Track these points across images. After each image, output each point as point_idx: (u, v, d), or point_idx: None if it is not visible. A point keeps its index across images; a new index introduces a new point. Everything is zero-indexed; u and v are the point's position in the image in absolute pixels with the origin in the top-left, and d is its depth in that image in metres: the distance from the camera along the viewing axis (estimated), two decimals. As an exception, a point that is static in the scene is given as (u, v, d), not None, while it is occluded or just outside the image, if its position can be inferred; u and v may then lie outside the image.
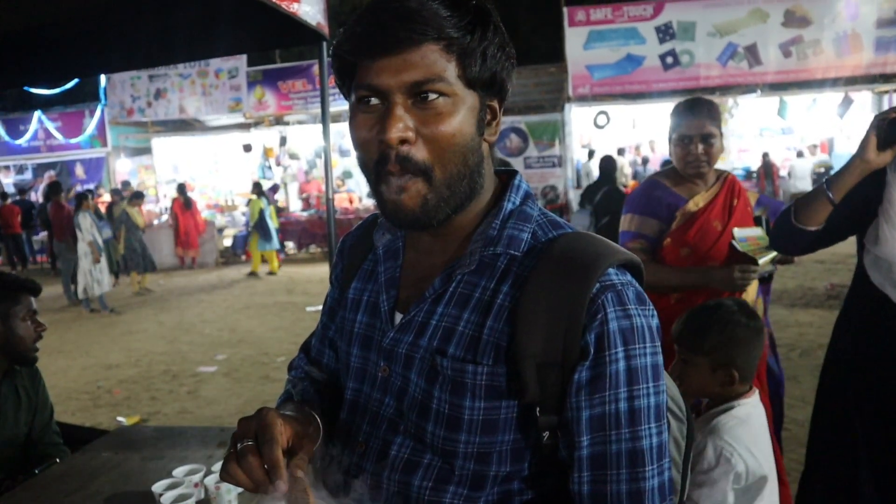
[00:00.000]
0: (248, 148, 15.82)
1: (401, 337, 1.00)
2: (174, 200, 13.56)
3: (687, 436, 1.20)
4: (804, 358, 5.80)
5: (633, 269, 0.98)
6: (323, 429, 1.04)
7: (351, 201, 15.15)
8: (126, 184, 15.29)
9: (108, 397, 6.08)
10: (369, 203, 15.00)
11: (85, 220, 9.99)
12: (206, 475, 1.83)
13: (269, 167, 16.03)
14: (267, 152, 15.95)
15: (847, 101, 13.73)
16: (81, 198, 10.22)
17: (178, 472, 1.84)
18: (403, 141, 0.89)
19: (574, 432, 0.90)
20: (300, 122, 16.07)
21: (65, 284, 11.10)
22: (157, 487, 1.74)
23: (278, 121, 15.93)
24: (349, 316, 1.12)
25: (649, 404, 0.90)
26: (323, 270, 12.64)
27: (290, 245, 15.15)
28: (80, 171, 17.73)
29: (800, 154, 14.91)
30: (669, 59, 13.58)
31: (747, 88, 13.97)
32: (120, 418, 5.40)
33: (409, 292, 1.05)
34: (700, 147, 2.49)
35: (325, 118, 2.97)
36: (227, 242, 15.15)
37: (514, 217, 1.00)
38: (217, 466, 1.86)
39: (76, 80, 15.15)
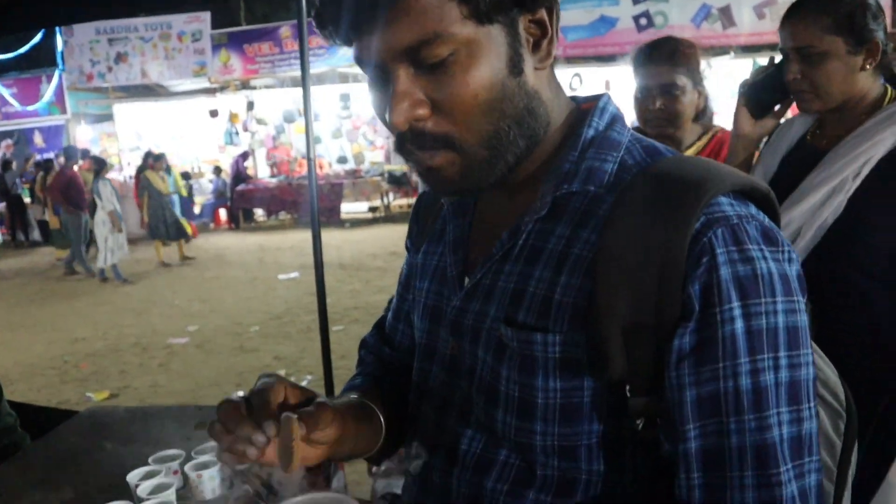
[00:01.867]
0: (214, 113, 15.38)
1: (467, 305, 0.84)
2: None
3: (845, 433, 0.87)
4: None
5: (759, 198, 0.76)
6: (386, 423, 0.91)
7: (321, 166, 14.87)
8: (86, 152, 14.82)
9: (75, 372, 5.88)
10: (339, 168, 14.77)
11: (105, 188, 9.78)
12: (185, 461, 1.68)
13: (236, 133, 15.63)
14: (232, 118, 15.53)
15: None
16: (101, 165, 10.04)
17: (155, 458, 1.69)
18: (415, 119, 0.74)
19: (677, 418, 0.70)
20: (267, 87, 15.65)
21: (76, 254, 10.65)
22: (132, 477, 1.60)
23: (244, 85, 15.49)
24: (418, 284, 0.97)
25: (781, 380, 0.68)
26: (294, 238, 12.41)
27: (259, 212, 14.87)
28: (38, 139, 17.13)
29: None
30: (643, 21, 13.43)
31: (721, 51, 13.89)
32: (88, 394, 5.22)
33: (478, 252, 0.87)
34: (658, 101, 2.02)
35: (304, 79, 2.80)
36: (196, 211, 14.80)
37: (596, 145, 0.80)
38: (197, 450, 1.71)
39: (31, 44, 14.56)
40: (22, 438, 2.23)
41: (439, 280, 0.92)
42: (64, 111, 16.46)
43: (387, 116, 0.74)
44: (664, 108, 2.03)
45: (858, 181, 1.54)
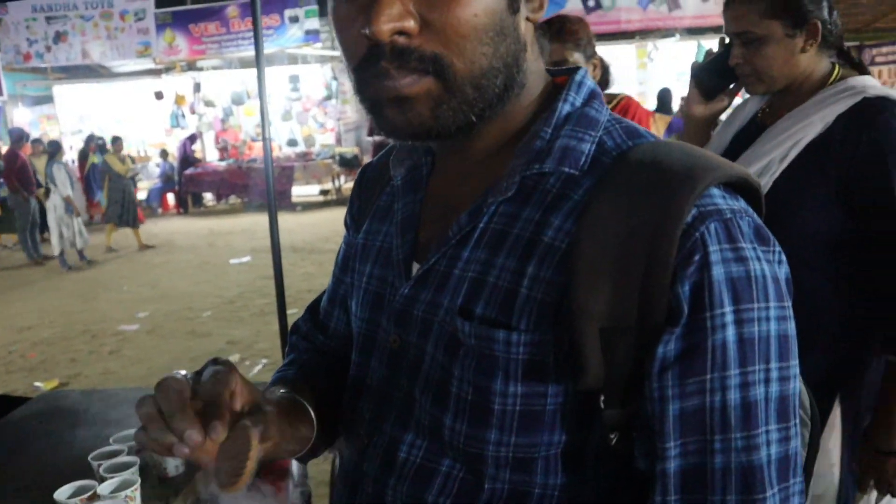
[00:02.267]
0: (159, 95, 15.03)
1: (416, 294, 0.74)
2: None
3: (809, 442, 0.82)
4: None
5: (749, 192, 0.68)
6: (318, 421, 0.79)
7: (272, 149, 14.70)
8: (20, 132, 14.34)
9: (21, 362, 5.76)
10: (289, 151, 14.59)
11: (59, 173, 9.52)
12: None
13: (183, 115, 15.30)
14: (178, 100, 15.20)
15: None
16: (56, 149, 9.75)
17: (116, 438, 1.70)
18: (400, 32, 0.63)
19: (657, 433, 0.62)
20: (214, 68, 15.35)
21: (23, 240, 10.34)
22: (94, 457, 1.61)
23: (191, 66, 15.16)
24: (359, 267, 0.86)
25: (771, 395, 0.61)
26: (245, 221, 12.28)
27: (208, 196, 14.63)
28: (-28, 122, 16.50)
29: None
30: (591, 3, 13.54)
31: (667, 33, 14.13)
32: (37, 383, 5.12)
33: (430, 233, 0.77)
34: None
35: (259, 61, 2.79)
36: (142, 196, 14.48)
37: (573, 122, 0.71)
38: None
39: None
40: (-26, 425, 2.21)
41: (383, 264, 0.82)
42: (0, 93, 15.88)
43: (364, 27, 0.63)
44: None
45: (785, 164, 1.56)
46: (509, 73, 0.68)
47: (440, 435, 0.71)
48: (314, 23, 13.65)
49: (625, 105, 2.50)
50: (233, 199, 14.37)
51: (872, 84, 1.56)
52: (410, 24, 0.62)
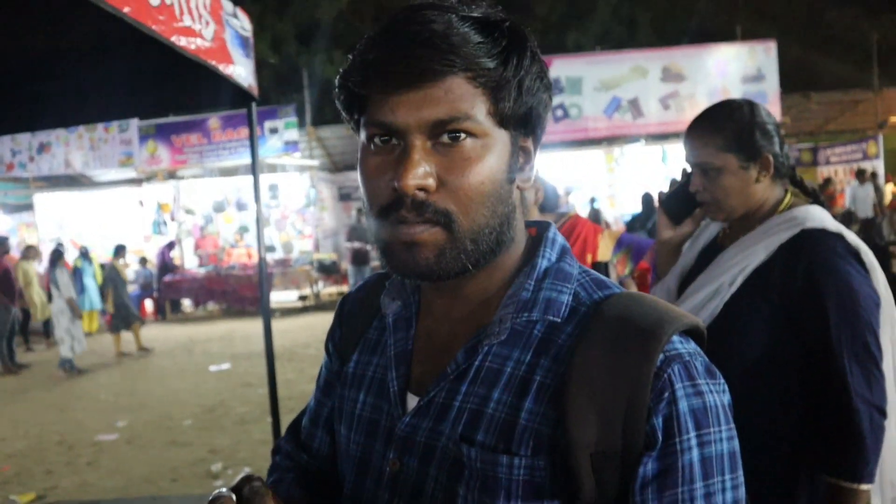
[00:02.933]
0: (142, 204, 15.29)
1: (418, 423, 0.83)
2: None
3: None
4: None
5: (698, 336, 0.82)
6: None
7: (250, 256, 14.87)
8: (4, 239, 14.39)
9: (-5, 474, 5.64)
10: (268, 258, 14.76)
11: (63, 276, 9.70)
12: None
13: (165, 223, 15.51)
14: (163, 207, 15.45)
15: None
16: (57, 255, 9.98)
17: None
18: (422, 188, 0.75)
19: None
20: (195, 177, 15.71)
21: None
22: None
23: (172, 175, 15.50)
24: (349, 394, 0.95)
25: (727, 500, 0.75)
26: (223, 328, 12.28)
27: (186, 303, 14.63)
28: (-49, 230, 16.54)
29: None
30: (559, 112, 14.25)
31: (632, 139, 14.82)
32: (12, 497, 5.02)
33: (423, 368, 0.88)
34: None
35: (255, 171, 2.97)
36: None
37: (551, 276, 0.84)
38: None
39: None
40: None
41: (377, 393, 0.91)
42: (-20, 201, 16.03)
43: (396, 181, 0.75)
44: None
45: (734, 288, 1.67)
46: (501, 231, 0.81)
47: None
48: (293, 134, 14.16)
49: (572, 223, 2.68)
50: (211, 306, 14.39)
51: (814, 215, 1.68)
52: (430, 182, 0.76)
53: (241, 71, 2.38)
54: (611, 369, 0.75)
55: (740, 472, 0.77)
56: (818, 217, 1.67)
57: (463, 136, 0.76)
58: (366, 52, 0.77)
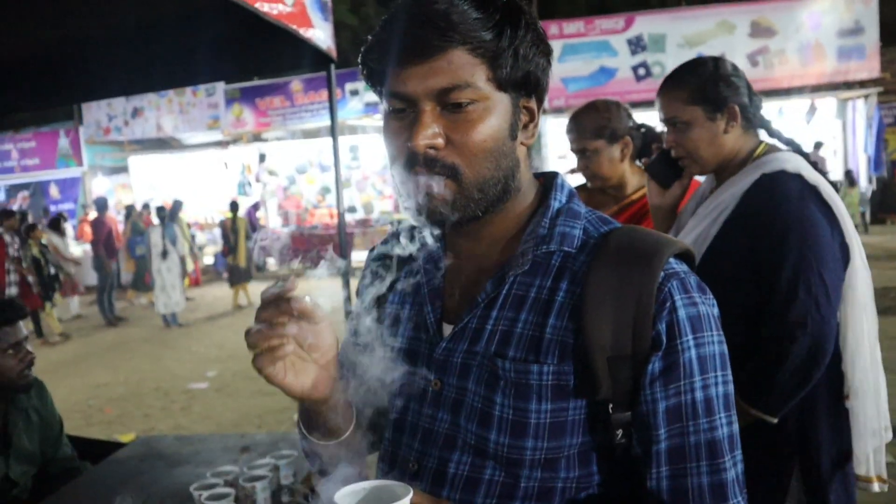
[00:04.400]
0: (227, 166, 15.84)
1: (454, 346, 0.97)
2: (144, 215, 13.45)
3: None
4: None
5: (689, 259, 0.96)
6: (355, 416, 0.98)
7: (331, 216, 15.23)
8: (103, 199, 15.22)
9: (99, 416, 6.11)
10: (350, 218, 15.10)
11: (177, 233, 10.61)
12: (236, 478, 1.93)
13: (249, 184, 16.04)
14: (246, 169, 15.97)
15: (813, 109, 14.13)
16: (174, 211, 10.99)
17: (213, 473, 1.94)
18: (431, 147, 0.88)
19: (651, 425, 0.88)
20: (278, 139, 16.12)
21: (99, 301, 11.01)
22: (195, 487, 1.84)
23: (256, 138, 15.97)
24: (388, 331, 1.06)
25: (720, 393, 0.89)
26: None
27: (271, 261, 15.16)
28: (54, 191, 17.59)
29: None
30: (642, 71, 13.87)
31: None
32: (115, 436, 5.44)
33: (455, 301, 1.01)
34: (580, 163, 2.33)
35: (334, 134, 3.08)
36: (209, 261, 15.12)
37: (564, 214, 0.98)
38: (249, 466, 1.96)
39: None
40: (83, 467, 2.48)
41: (414, 327, 1.03)
42: (80, 163, 16.94)
43: (409, 141, 0.88)
44: (586, 168, 2.31)
45: (710, 238, 1.74)
46: (506, 182, 0.94)
47: (485, 449, 0.92)
48: (372, 96, 14.26)
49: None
50: (295, 265, 14.84)
51: (779, 160, 1.71)
52: (439, 141, 0.89)
53: (320, 34, 2.48)
54: (620, 286, 0.89)
55: (730, 371, 0.91)
56: (781, 160, 1.72)
57: (465, 101, 0.87)
58: (381, 32, 0.91)
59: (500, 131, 0.91)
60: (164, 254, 10.30)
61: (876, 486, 1.78)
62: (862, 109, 14.04)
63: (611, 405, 0.89)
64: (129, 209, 12.83)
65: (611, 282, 0.89)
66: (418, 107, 0.88)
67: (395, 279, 1.10)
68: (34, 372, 2.49)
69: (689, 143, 1.81)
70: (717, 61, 1.83)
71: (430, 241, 1.04)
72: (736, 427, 0.91)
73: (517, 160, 0.96)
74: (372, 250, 1.17)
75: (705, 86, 1.77)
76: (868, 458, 1.76)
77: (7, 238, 9.04)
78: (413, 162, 0.89)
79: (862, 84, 13.75)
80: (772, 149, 1.84)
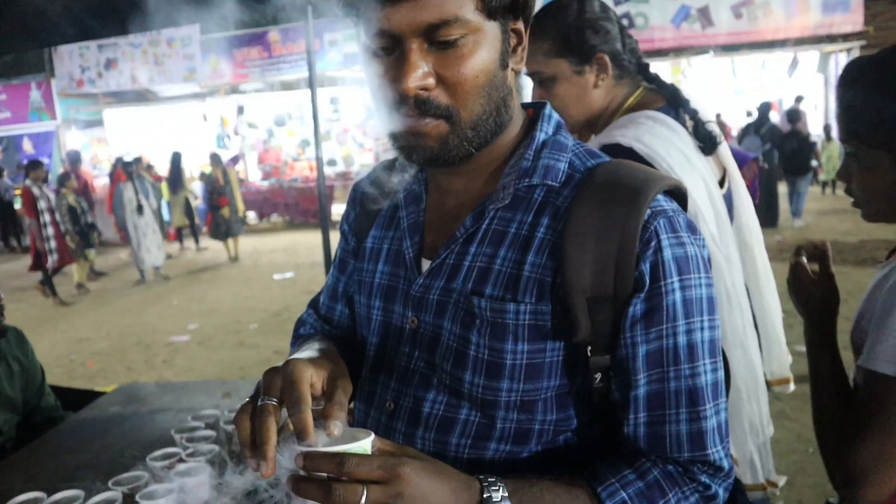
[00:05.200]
0: (205, 118, 15.59)
1: (431, 282, 0.94)
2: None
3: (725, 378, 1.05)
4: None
5: (680, 196, 0.92)
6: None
7: (312, 169, 15.10)
8: (76, 153, 14.96)
9: (82, 370, 6.10)
10: (329, 171, 14.98)
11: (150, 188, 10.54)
12: (217, 420, 1.93)
13: (228, 137, 15.82)
14: (224, 121, 15.74)
15: (795, 62, 14.11)
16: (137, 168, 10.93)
17: (195, 416, 1.94)
18: (422, 88, 0.83)
19: (630, 370, 0.85)
20: (257, 91, 15.87)
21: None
22: (176, 430, 1.85)
23: (234, 89, 15.70)
24: (368, 267, 1.05)
25: (705, 338, 0.85)
26: (287, 239, 12.64)
27: (251, 215, 15.06)
28: (27, 145, 17.22)
29: (749, 114, 15.25)
30: (625, 21, 13.65)
31: (700, 50, 14.22)
32: (97, 388, 5.44)
33: (435, 236, 0.98)
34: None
35: (312, 85, 3.02)
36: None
37: (549, 147, 0.93)
38: (230, 410, 1.97)
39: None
40: (66, 416, 2.47)
41: (393, 262, 1.00)
42: (54, 117, 16.58)
43: (398, 83, 0.82)
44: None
45: None
46: (499, 115, 0.90)
47: (460, 390, 0.90)
48: (353, 46, 14.08)
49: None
50: (275, 218, 14.77)
51: (624, 125, 1.52)
52: (430, 81, 0.84)
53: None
54: (603, 222, 0.84)
55: (717, 316, 0.87)
56: (622, 126, 1.52)
57: (455, 35, 0.82)
58: None
59: (491, 62, 0.86)
60: (140, 209, 10.16)
61: (765, 493, 1.61)
62: (844, 63, 14.03)
63: (589, 348, 0.86)
64: (129, 164, 12.51)
65: (594, 219, 0.85)
66: (404, 45, 0.82)
67: (377, 212, 1.08)
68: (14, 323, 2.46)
69: (554, 99, 1.59)
70: (583, 2, 1.56)
71: (411, 173, 1.03)
72: (721, 374, 0.87)
73: (508, 88, 0.91)
74: (358, 183, 1.15)
75: (569, 34, 1.54)
76: (754, 461, 1.59)
77: (36, 191, 8.80)
78: (402, 104, 0.84)
79: (845, 37, 13.70)
80: (645, 98, 1.61)
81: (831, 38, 13.79)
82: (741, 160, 2.82)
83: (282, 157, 15.94)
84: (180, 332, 6.97)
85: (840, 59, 14.15)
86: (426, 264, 0.96)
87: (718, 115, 15.05)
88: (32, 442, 2.10)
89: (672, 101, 1.61)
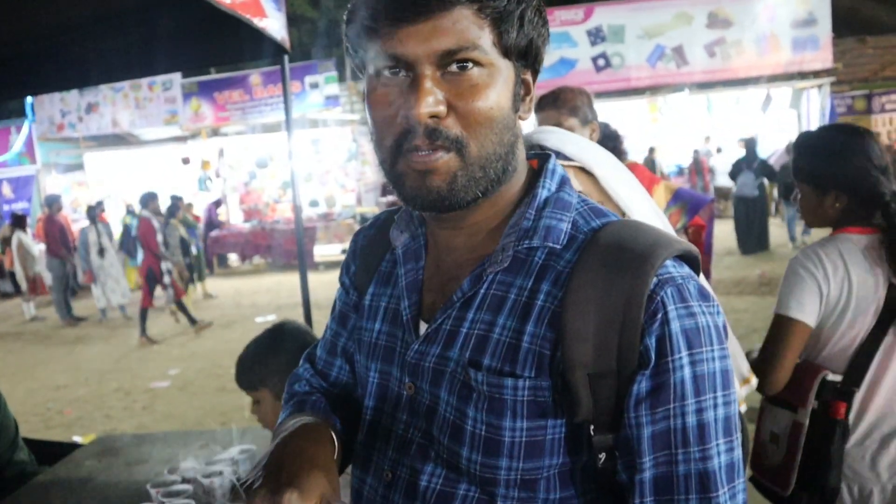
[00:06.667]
0: (186, 161, 15.59)
1: (427, 349, 0.89)
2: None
3: (742, 447, 1.03)
4: (742, 341, 6.10)
5: (691, 260, 0.85)
6: (339, 448, 0.92)
7: (293, 210, 15.09)
8: (56, 197, 14.89)
9: (59, 418, 5.98)
10: (311, 212, 14.99)
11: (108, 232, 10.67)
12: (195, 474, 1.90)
13: (209, 179, 15.81)
14: (204, 165, 15.74)
15: (768, 99, 14.41)
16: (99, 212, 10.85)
17: (171, 469, 1.91)
18: (433, 116, 0.78)
19: (635, 452, 0.79)
20: (238, 133, 15.92)
21: (56, 301, 10.78)
22: (152, 484, 1.81)
23: (215, 132, 15.74)
24: (366, 325, 1.00)
25: (719, 417, 0.78)
26: (269, 281, 12.57)
27: (233, 257, 14.99)
28: (7, 189, 17.10)
29: (719, 150, 15.50)
30: (601, 62, 13.98)
31: (676, 88, 14.50)
32: (76, 438, 5.32)
33: (434, 297, 0.92)
34: None
35: (289, 126, 3.04)
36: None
37: (551, 205, 0.87)
38: (208, 462, 1.94)
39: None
40: (40, 470, 2.42)
41: (391, 321, 0.95)
42: (34, 161, 16.50)
43: (409, 110, 0.78)
44: None
45: None
46: (507, 160, 0.84)
47: (457, 465, 0.84)
48: (334, 88, 14.22)
49: (629, 169, 2.65)
50: (256, 260, 14.70)
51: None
52: (441, 109, 0.78)
53: (275, 24, 2.44)
54: (606, 291, 0.78)
55: (732, 390, 0.80)
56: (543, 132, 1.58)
57: (470, 64, 0.78)
58: None
59: (504, 100, 0.82)
60: (101, 251, 10.25)
61: None
62: (816, 99, 14.34)
63: (592, 426, 0.80)
64: (93, 208, 12.53)
65: (596, 287, 0.79)
66: (417, 71, 0.78)
67: (377, 267, 1.03)
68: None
69: None
70: None
71: (412, 227, 0.98)
72: (737, 454, 0.80)
73: (518, 135, 0.87)
74: (358, 233, 1.10)
75: None
76: None
77: (155, 223, 8.83)
78: (412, 135, 0.79)
79: (816, 74, 14.04)
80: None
81: (802, 75, 14.12)
82: (699, 202, 2.86)
83: (263, 198, 15.93)
84: (161, 378, 6.87)
85: (811, 95, 14.47)
86: (424, 327, 0.91)
87: (696, 152, 15.31)
88: (3, 500, 2.04)
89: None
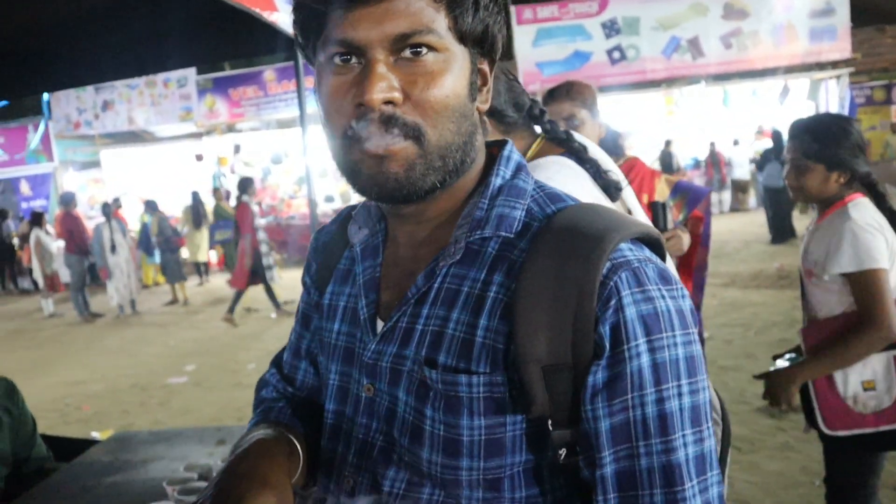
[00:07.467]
0: (199, 157, 15.64)
1: (383, 348, 0.86)
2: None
3: (722, 439, 1.03)
4: (760, 335, 6.05)
5: (652, 243, 0.82)
6: (304, 457, 0.92)
7: (309, 205, 15.12)
8: (71, 195, 15.03)
9: (77, 413, 6.02)
10: (327, 208, 15.01)
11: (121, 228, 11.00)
12: (211, 471, 1.89)
13: (224, 176, 15.87)
14: (221, 161, 15.80)
15: (786, 90, 14.25)
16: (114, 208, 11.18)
17: (187, 467, 1.90)
18: (388, 102, 0.75)
19: (594, 446, 0.75)
20: (253, 129, 15.96)
21: (73, 298, 10.91)
22: (168, 482, 1.80)
23: (230, 128, 15.79)
24: (326, 325, 0.97)
25: (684, 406, 0.74)
26: (284, 276, 12.58)
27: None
28: (25, 187, 17.28)
29: (735, 143, 15.36)
30: (616, 54, 13.87)
31: (692, 80, 14.36)
32: (93, 433, 5.35)
33: (391, 294, 0.89)
34: (565, 127, 2.14)
35: (303, 121, 3.03)
36: (185, 254, 14.92)
37: (504, 193, 0.84)
38: (223, 460, 1.92)
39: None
40: (58, 466, 2.43)
41: (350, 321, 0.93)
42: (51, 159, 16.65)
43: (360, 97, 0.75)
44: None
45: None
46: (466, 149, 0.82)
47: (419, 467, 0.81)
48: (348, 83, 14.19)
49: (629, 165, 2.69)
50: (273, 256, 14.74)
51: (540, 166, 1.56)
52: (396, 95, 0.75)
53: (285, 18, 2.43)
54: (558, 280, 0.75)
55: (701, 377, 0.76)
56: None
57: (425, 50, 0.76)
58: None
59: (460, 88, 0.79)
60: (113, 248, 10.42)
61: None
62: (834, 90, 14.16)
63: (550, 421, 0.76)
64: (107, 206, 12.68)
65: (548, 275, 0.75)
66: (368, 56, 0.75)
67: (335, 265, 1.00)
68: (4, 372, 2.43)
69: None
70: None
71: (370, 222, 0.95)
72: (708, 445, 0.75)
73: (476, 125, 0.84)
74: (319, 231, 1.07)
75: None
76: None
77: (253, 207, 8.97)
78: (365, 122, 0.75)
79: (834, 65, 13.86)
80: (544, 149, 1.69)
81: (821, 66, 13.94)
82: (699, 194, 2.84)
83: (278, 194, 15.97)
84: (177, 374, 6.90)
85: (830, 86, 14.29)
86: (381, 325, 0.88)
87: (713, 145, 15.19)
88: (21, 495, 2.05)
89: (569, 151, 1.66)
